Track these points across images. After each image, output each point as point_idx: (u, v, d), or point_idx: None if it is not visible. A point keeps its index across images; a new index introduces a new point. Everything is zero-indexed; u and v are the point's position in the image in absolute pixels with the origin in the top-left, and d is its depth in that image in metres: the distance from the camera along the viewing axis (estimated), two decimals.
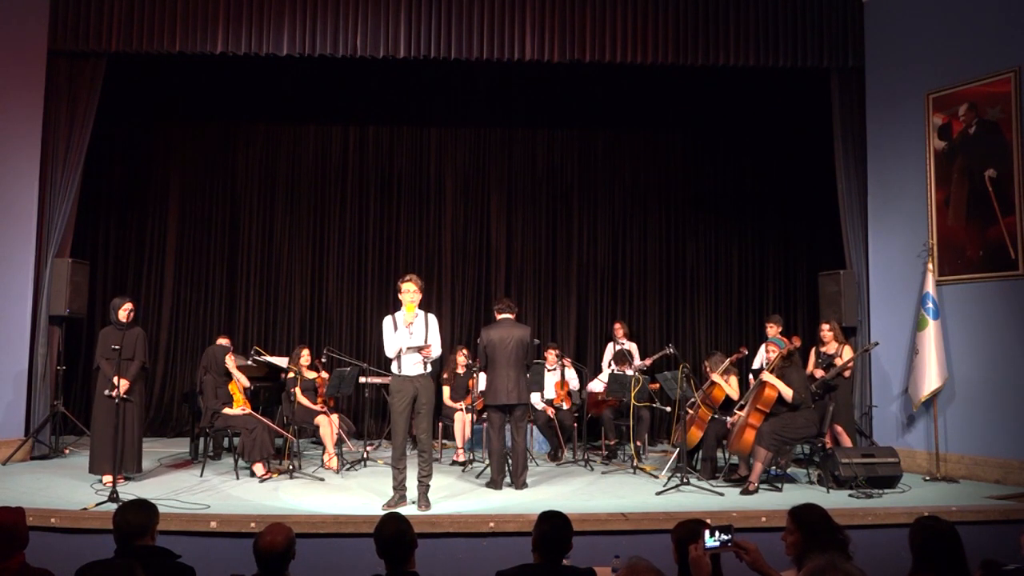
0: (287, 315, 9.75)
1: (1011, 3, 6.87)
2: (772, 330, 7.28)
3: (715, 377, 7.08)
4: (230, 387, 6.91)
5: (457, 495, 5.94)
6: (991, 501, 5.84)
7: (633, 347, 8.90)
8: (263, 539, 3.03)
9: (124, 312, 6.21)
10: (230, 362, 6.93)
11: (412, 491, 5.49)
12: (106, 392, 6.03)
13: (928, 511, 4.99)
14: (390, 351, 5.59)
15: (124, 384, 6.01)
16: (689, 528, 3.02)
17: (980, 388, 6.92)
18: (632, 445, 7.29)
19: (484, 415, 6.62)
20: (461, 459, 7.37)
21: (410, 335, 5.51)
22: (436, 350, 5.64)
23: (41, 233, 7.61)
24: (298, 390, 7.07)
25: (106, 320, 6.28)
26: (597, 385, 8.21)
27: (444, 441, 8.08)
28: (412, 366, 5.55)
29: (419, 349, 5.50)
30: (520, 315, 9.62)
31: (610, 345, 8.89)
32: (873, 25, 7.98)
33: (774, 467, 6.30)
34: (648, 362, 8.69)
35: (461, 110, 9.90)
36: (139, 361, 6.21)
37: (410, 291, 5.56)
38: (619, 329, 8.81)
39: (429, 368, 5.62)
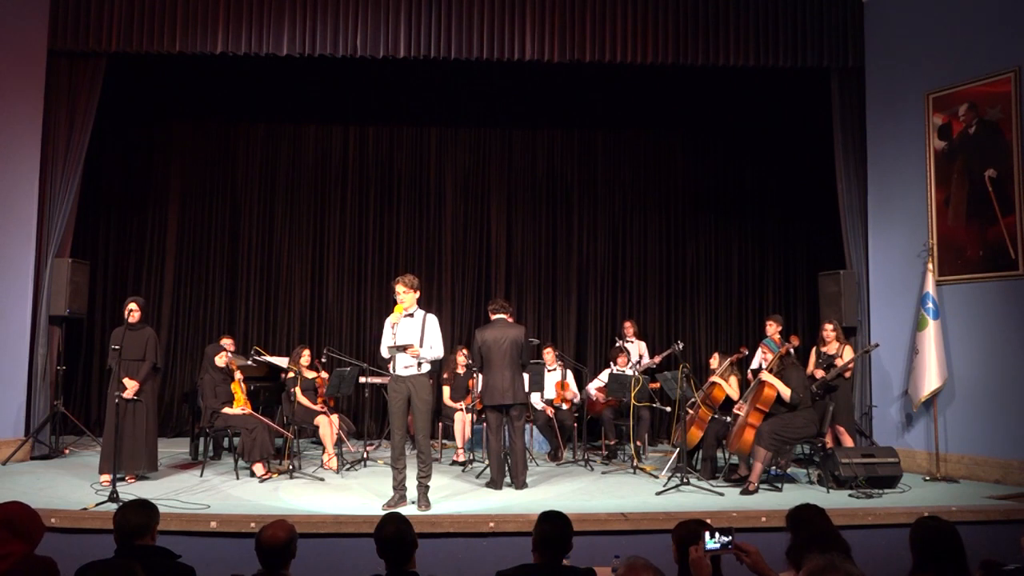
0: (287, 315, 9.75)
1: (1011, 3, 6.87)
2: (771, 328, 7.28)
3: (715, 378, 7.08)
4: (232, 387, 6.91)
5: (457, 495, 5.95)
6: (991, 501, 5.84)
7: (642, 345, 8.90)
8: (265, 533, 3.04)
9: (126, 312, 6.23)
10: (219, 360, 6.91)
11: (412, 491, 5.50)
12: (117, 394, 6.04)
13: (928, 511, 4.99)
14: (383, 351, 5.64)
15: (134, 385, 6.07)
16: (690, 529, 3.02)
17: (980, 388, 6.92)
18: (632, 445, 7.29)
19: (484, 415, 6.62)
20: (461, 459, 7.37)
21: (393, 335, 5.52)
22: (437, 351, 5.64)
23: (41, 233, 7.60)
24: (298, 390, 7.07)
25: (107, 320, 6.30)
26: (596, 384, 8.19)
27: (444, 441, 8.09)
28: (405, 366, 5.55)
29: (402, 348, 5.50)
30: (520, 315, 9.67)
31: (618, 343, 8.88)
32: (873, 25, 7.98)
33: (774, 467, 6.30)
34: (657, 359, 8.68)
35: (461, 110, 9.89)
36: (149, 362, 6.22)
37: (399, 292, 5.62)
38: (629, 328, 8.82)
39: (425, 368, 5.61)
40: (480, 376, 6.49)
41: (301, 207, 9.85)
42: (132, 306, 6.24)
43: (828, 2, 8.00)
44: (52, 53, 7.70)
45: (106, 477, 5.83)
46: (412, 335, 5.55)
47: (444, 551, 4.77)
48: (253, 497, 5.71)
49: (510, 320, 6.62)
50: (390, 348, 5.53)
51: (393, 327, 5.54)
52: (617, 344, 8.52)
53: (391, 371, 5.61)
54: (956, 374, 7.05)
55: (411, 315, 5.61)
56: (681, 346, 7.22)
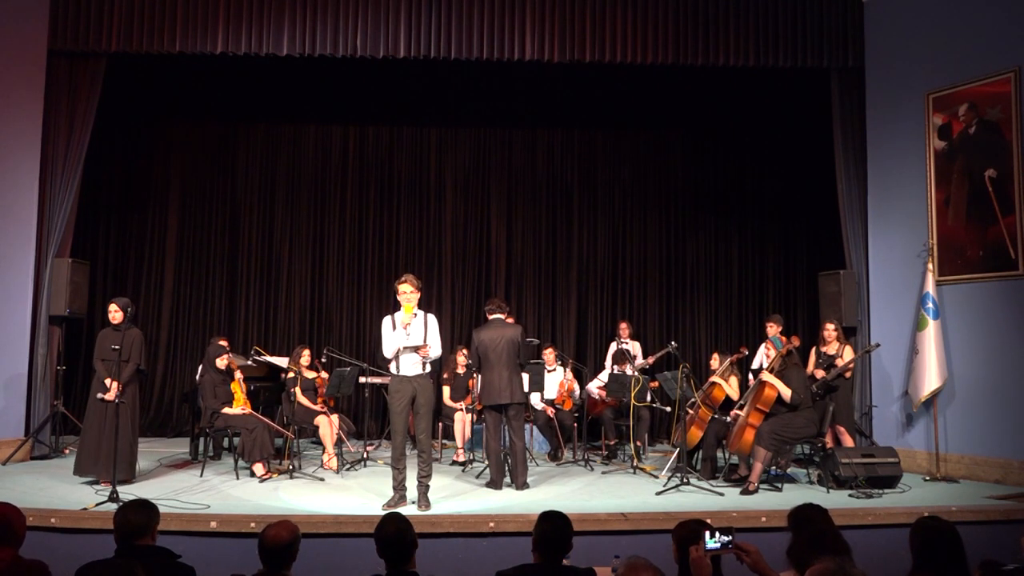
0: (287, 315, 9.76)
1: (1011, 3, 6.87)
2: (772, 329, 7.29)
3: (715, 378, 7.08)
4: (232, 386, 6.91)
5: (457, 495, 5.95)
6: (991, 501, 5.84)
7: (636, 346, 8.91)
8: (268, 532, 3.04)
9: (109, 314, 6.11)
10: (220, 362, 6.91)
11: (412, 491, 5.49)
12: (98, 395, 5.95)
13: (928, 511, 4.99)
14: (388, 351, 5.59)
15: (116, 386, 5.91)
16: (690, 529, 3.02)
17: (980, 388, 6.92)
18: (632, 445, 7.29)
19: (483, 415, 6.63)
20: (461, 459, 7.38)
21: (407, 336, 5.51)
22: (436, 351, 5.63)
23: (41, 233, 7.60)
24: (298, 390, 7.07)
25: (107, 320, 6.24)
26: (596, 383, 8.19)
27: (444, 441, 8.09)
28: (410, 366, 5.55)
29: (416, 349, 5.50)
30: (520, 315, 9.67)
31: (613, 344, 8.90)
32: (873, 25, 7.98)
33: (774, 467, 6.30)
34: (651, 360, 8.71)
35: (461, 110, 9.89)
36: (133, 363, 6.05)
37: (406, 292, 5.56)
38: (624, 329, 8.83)
39: (428, 368, 5.61)
40: (479, 376, 6.49)
41: (301, 207, 9.86)
42: (112, 307, 6.09)
43: (828, 2, 8.00)
44: (52, 53, 7.69)
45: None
46: (421, 335, 5.56)
47: (444, 551, 4.77)
48: (253, 497, 5.70)
49: (507, 320, 6.61)
50: (404, 348, 5.51)
51: (406, 327, 5.52)
52: (618, 348, 8.51)
53: (394, 371, 5.59)
54: (956, 374, 7.05)
55: (414, 315, 5.60)
56: (675, 346, 7.22)
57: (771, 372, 6.31)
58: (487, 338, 6.33)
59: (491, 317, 6.51)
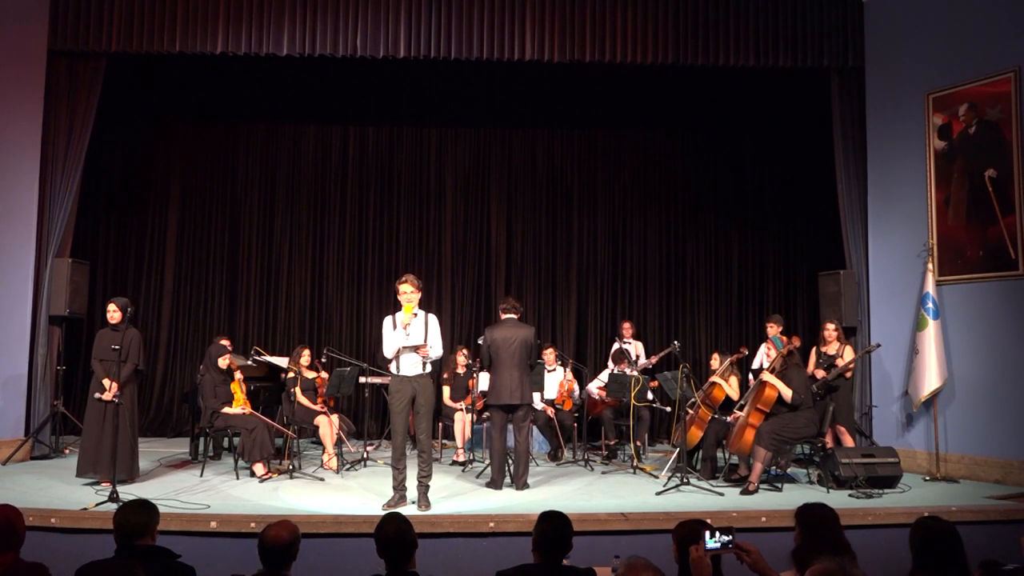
0: (287, 315, 9.76)
1: (1011, 3, 6.87)
2: (772, 330, 7.29)
3: (715, 378, 7.08)
4: (232, 386, 6.91)
5: (457, 495, 5.94)
6: (991, 501, 5.84)
7: (639, 346, 8.91)
8: (268, 532, 3.04)
9: (108, 314, 6.10)
10: (223, 362, 6.90)
11: (412, 491, 5.49)
12: (96, 395, 5.94)
13: (928, 511, 4.99)
14: (388, 351, 5.59)
15: (114, 386, 5.90)
16: (690, 528, 3.02)
17: (980, 388, 6.92)
18: (632, 445, 7.29)
19: (484, 415, 6.61)
20: (461, 459, 7.37)
21: (407, 336, 5.51)
22: (437, 351, 5.63)
23: (41, 233, 7.60)
24: (298, 390, 7.07)
25: (107, 320, 6.24)
26: (596, 383, 8.19)
27: (444, 441, 8.09)
28: (410, 366, 5.54)
29: (416, 348, 5.50)
30: (520, 315, 9.66)
31: (616, 343, 8.90)
32: (873, 25, 7.98)
33: (774, 467, 6.30)
34: (653, 360, 8.70)
35: (461, 110, 9.90)
36: (131, 364, 6.03)
37: (406, 292, 5.55)
38: (627, 328, 8.83)
39: (428, 368, 5.61)
40: (483, 375, 6.47)
41: (301, 207, 9.86)
42: (111, 307, 6.09)
43: (828, 2, 8.00)
44: (52, 53, 7.69)
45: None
46: (421, 335, 5.55)
47: (444, 551, 4.77)
48: (253, 497, 5.70)
49: (519, 320, 6.59)
50: (404, 348, 5.51)
51: (405, 328, 5.52)
52: (618, 347, 8.52)
53: (395, 371, 5.59)
54: (956, 374, 7.05)
55: (415, 315, 5.60)
56: (678, 346, 7.21)
57: (772, 372, 6.31)
58: (500, 337, 6.29)
59: (504, 317, 6.48)
